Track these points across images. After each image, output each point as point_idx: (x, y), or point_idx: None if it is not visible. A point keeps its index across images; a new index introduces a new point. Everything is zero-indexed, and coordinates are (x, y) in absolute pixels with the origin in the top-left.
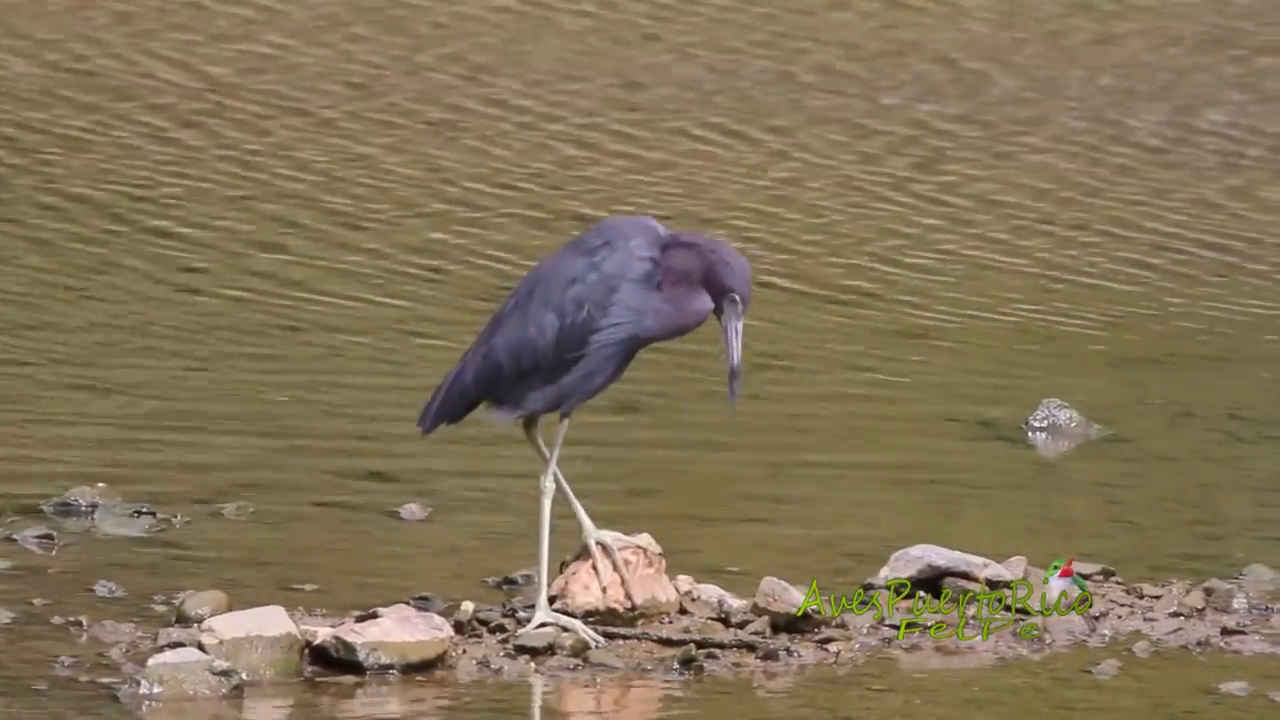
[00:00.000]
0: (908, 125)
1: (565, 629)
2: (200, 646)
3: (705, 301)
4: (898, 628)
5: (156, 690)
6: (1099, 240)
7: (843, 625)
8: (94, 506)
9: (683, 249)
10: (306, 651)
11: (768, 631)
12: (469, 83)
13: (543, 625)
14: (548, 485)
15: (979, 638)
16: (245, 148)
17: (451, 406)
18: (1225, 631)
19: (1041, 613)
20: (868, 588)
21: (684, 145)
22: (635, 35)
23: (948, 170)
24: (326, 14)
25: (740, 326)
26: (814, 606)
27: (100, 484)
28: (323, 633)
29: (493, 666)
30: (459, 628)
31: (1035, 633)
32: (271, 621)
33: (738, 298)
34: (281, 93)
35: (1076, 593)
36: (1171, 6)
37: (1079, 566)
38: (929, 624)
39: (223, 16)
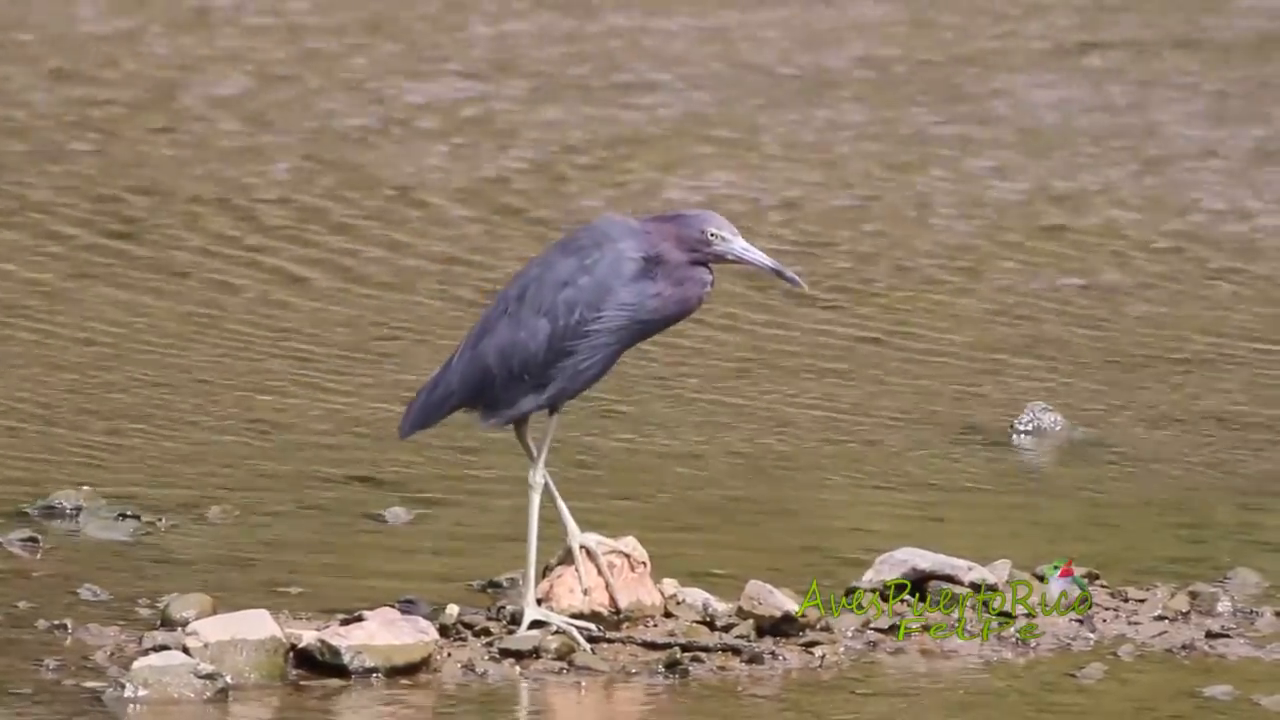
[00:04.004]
0: (895, 130)
1: (558, 629)
2: (185, 650)
3: (701, 272)
4: (886, 630)
5: (141, 694)
6: (1084, 242)
7: (827, 629)
8: (78, 509)
9: (653, 234)
10: (291, 655)
11: (752, 635)
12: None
13: (533, 624)
14: (536, 480)
15: (978, 639)
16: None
17: (433, 411)
18: (1210, 635)
19: (1031, 614)
20: (850, 591)
21: (665, 143)
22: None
23: (932, 173)
24: None
25: (743, 243)
26: (813, 608)
27: (85, 487)
28: (307, 636)
29: (478, 670)
30: (444, 631)
31: (1036, 633)
32: (256, 625)
33: (715, 231)
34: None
35: (1076, 592)
36: None
37: None
38: (927, 625)
39: None
